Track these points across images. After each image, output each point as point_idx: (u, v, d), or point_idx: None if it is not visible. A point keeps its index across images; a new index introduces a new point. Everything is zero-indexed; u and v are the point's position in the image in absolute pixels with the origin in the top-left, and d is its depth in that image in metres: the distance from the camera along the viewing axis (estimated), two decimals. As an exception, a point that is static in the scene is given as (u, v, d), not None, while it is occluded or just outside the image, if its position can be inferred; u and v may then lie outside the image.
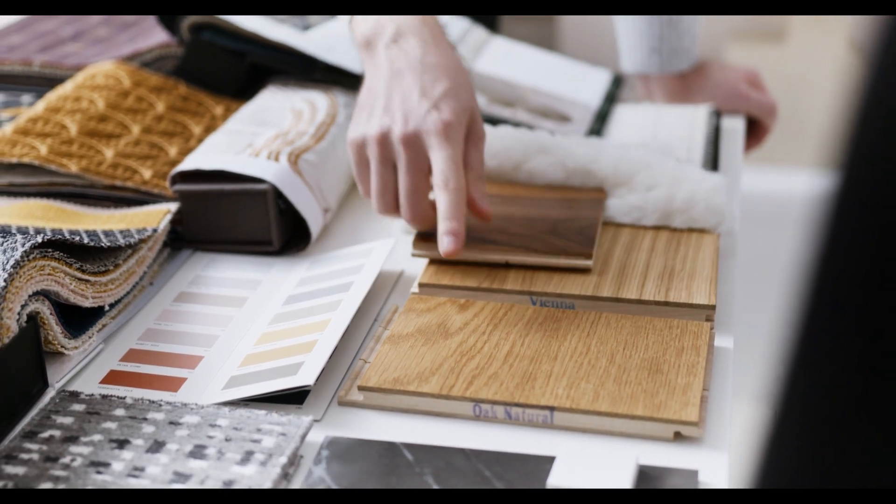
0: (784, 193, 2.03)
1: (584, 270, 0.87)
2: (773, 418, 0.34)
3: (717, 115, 1.17)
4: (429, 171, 0.87)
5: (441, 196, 0.84)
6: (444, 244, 0.84)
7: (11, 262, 0.72)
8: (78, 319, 0.82)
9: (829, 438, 0.33)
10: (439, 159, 0.85)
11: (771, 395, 0.34)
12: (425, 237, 0.90)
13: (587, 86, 1.23)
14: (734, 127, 1.20)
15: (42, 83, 1.18)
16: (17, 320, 0.73)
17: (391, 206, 0.89)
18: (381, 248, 0.91)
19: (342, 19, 1.19)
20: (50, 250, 0.77)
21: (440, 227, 0.84)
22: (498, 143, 1.00)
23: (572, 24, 2.11)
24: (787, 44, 2.08)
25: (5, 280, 0.71)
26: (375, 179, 0.88)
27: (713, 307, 0.82)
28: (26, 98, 1.15)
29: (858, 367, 0.32)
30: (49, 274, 0.76)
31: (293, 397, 0.76)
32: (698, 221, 0.93)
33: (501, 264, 0.88)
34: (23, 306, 0.74)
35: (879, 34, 0.32)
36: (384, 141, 0.86)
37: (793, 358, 0.33)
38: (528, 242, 0.89)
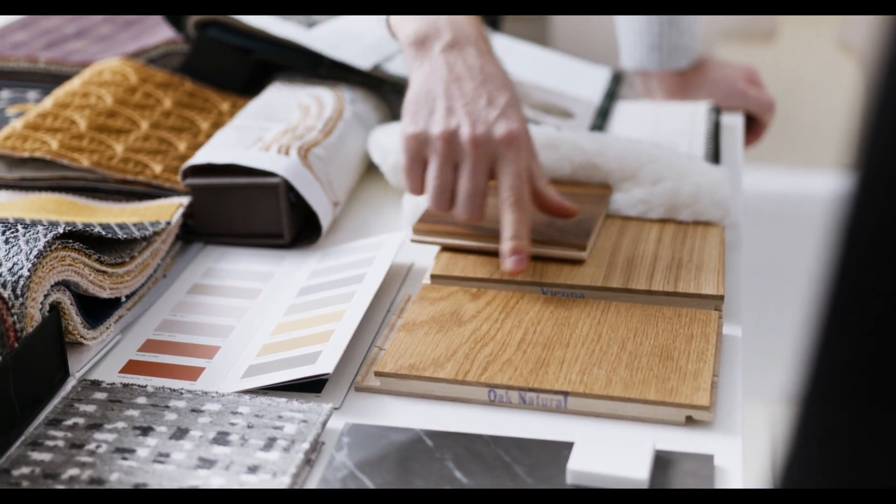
0: (775, 191, 2.06)
1: (578, 261, 0.89)
2: (797, 418, 0.35)
3: (717, 111, 1.19)
4: (491, 175, 0.87)
5: (509, 213, 0.85)
6: (509, 264, 0.84)
7: (35, 251, 0.73)
8: (95, 310, 0.83)
9: (852, 438, 0.34)
10: (508, 173, 0.85)
11: (793, 397, 0.35)
12: (425, 222, 0.92)
13: (588, 83, 1.25)
14: (733, 123, 1.21)
15: (47, 80, 1.19)
16: (41, 310, 0.74)
17: (448, 204, 0.87)
18: (392, 241, 0.92)
19: (352, 16, 1.20)
20: (70, 241, 0.78)
21: (505, 245, 0.85)
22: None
23: (565, 24, 2.12)
24: (777, 44, 2.10)
25: (29, 270, 0.72)
26: (435, 178, 0.86)
27: (721, 297, 0.84)
28: (32, 94, 1.16)
29: (880, 367, 0.33)
30: (70, 265, 0.77)
31: (311, 386, 0.77)
32: (704, 215, 0.94)
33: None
34: (45, 296, 0.75)
35: (887, 34, 0.34)
36: (451, 140, 0.85)
37: (815, 359, 0.34)
38: None
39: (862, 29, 2.13)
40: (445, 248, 0.92)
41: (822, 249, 0.35)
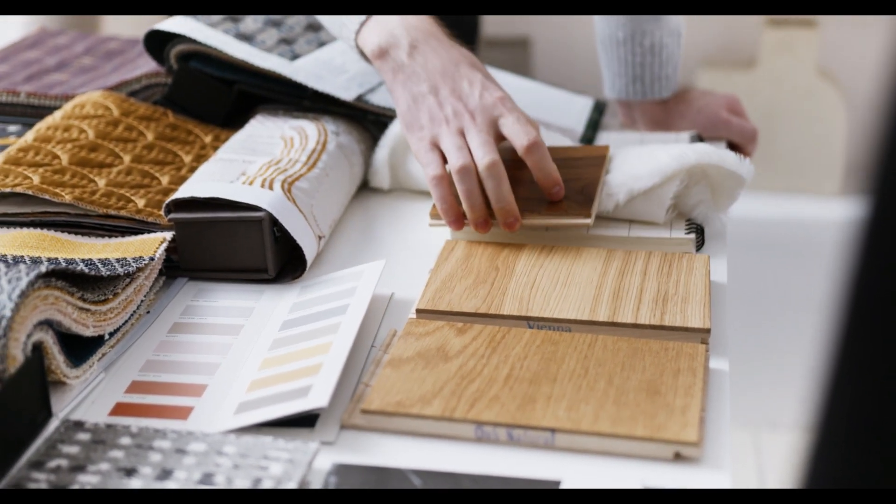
0: (755, 218, 2.06)
1: (584, 227, 0.96)
2: (817, 425, 0.35)
3: (700, 140, 1.19)
4: (499, 137, 0.97)
5: (528, 157, 0.95)
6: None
7: (17, 291, 0.73)
8: (77, 348, 0.82)
9: (874, 439, 0.34)
10: (512, 122, 0.96)
11: (812, 405, 0.35)
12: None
13: (571, 112, 1.25)
14: (715, 152, 1.21)
15: (29, 112, 1.18)
16: (23, 350, 0.73)
17: (475, 181, 0.96)
18: (372, 270, 0.92)
19: (332, 46, 1.20)
20: (53, 279, 0.77)
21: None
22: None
23: (546, 51, 2.13)
24: (757, 71, 2.12)
25: (12, 310, 0.71)
26: (457, 157, 0.95)
27: (708, 330, 0.84)
28: (13, 128, 1.15)
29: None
30: (52, 303, 0.77)
31: (303, 421, 0.77)
32: (718, 177, 0.98)
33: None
34: (28, 336, 0.74)
35: None
36: (454, 121, 0.96)
37: (835, 370, 0.34)
38: (532, 206, 0.97)
39: (841, 56, 2.14)
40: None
41: (837, 267, 0.35)
